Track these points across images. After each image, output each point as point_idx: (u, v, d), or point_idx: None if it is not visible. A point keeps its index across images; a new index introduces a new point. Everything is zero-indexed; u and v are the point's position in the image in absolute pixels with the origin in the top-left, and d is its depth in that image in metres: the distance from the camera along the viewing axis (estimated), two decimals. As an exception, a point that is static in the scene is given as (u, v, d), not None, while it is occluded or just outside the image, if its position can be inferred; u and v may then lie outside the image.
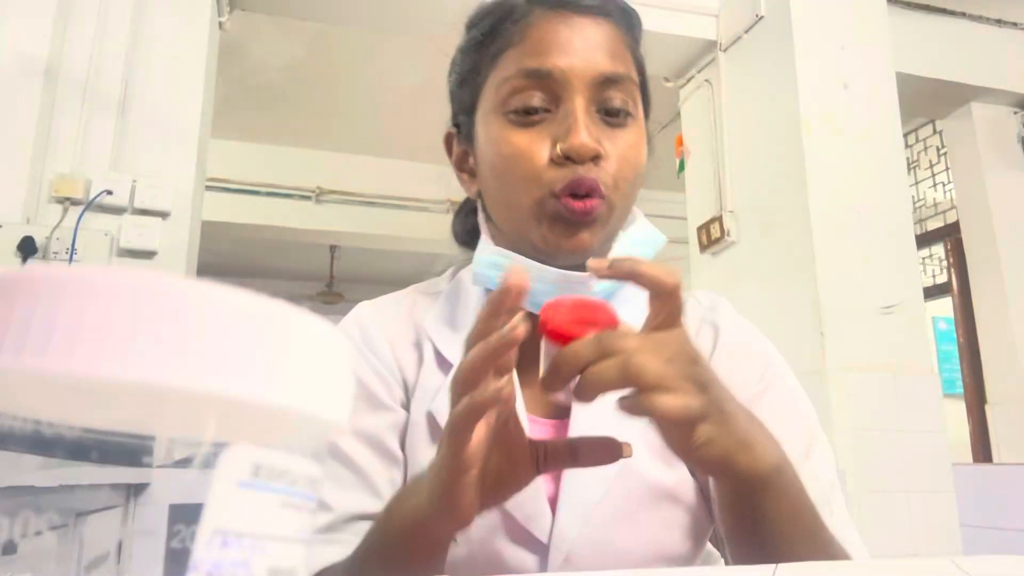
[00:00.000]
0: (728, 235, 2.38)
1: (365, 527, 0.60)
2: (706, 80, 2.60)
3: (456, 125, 0.72)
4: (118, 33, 1.98)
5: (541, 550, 0.60)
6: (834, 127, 2.19)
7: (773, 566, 0.45)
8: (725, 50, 2.54)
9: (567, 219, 0.60)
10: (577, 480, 0.61)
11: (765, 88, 2.35)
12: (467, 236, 0.76)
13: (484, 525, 0.60)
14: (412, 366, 0.68)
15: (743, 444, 0.46)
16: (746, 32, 2.43)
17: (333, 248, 5.87)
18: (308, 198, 4.38)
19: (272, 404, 0.16)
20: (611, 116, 0.62)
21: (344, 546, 0.60)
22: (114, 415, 0.17)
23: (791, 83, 2.21)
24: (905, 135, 3.02)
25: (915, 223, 2.78)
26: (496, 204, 0.65)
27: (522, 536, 0.61)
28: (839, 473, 2.10)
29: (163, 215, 1.93)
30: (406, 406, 0.67)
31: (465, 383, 0.44)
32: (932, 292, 3.76)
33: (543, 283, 0.61)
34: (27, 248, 1.76)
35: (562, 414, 0.65)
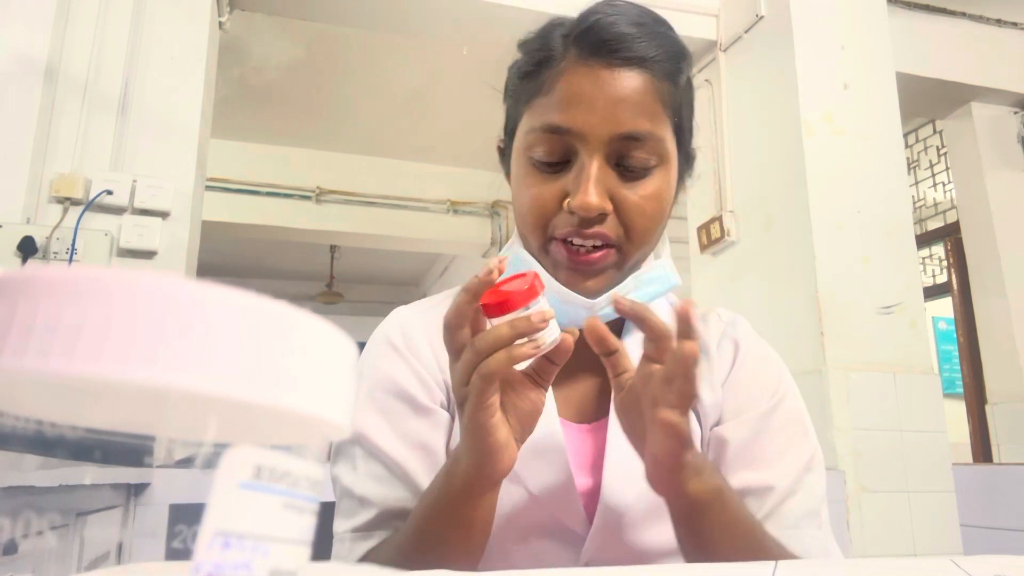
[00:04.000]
0: (728, 235, 2.38)
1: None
2: (706, 80, 2.60)
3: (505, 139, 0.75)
4: (118, 33, 1.98)
5: (576, 543, 0.64)
6: (834, 127, 2.19)
7: (773, 563, 0.46)
8: (725, 50, 2.55)
9: (570, 267, 0.64)
10: (617, 478, 0.64)
11: (765, 88, 2.35)
12: None
13: (519, 524, 0.64)
14: None
15: (695, 469, 0.54)
16: (746, 32, 2.43)
17: (333, 248, 5.87)
18: (308, 198, 4.38)
19: (274, 405, 0.16)
20: (628, 170, 0.64)
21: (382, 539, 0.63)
22: (116, 415, 0.17)
23: (791, 83, 2.20)
24: (905, 135, 3.02)
25: (915, 223, 2.78)
26: (519, 230, 0.70)
27: (558, 531, 0.64)
28: (839, 473, 2.09)
29: (163, 215, 1.93)
30: (447, 407, 0.69)
31: (449, 327, 0.53)
32: (932, 292, 3.77)
33: (550, 297, 0.64)
34: (27, 248, 1.76)
35: (595, 418, 0.70)
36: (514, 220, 0.72)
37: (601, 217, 0.63)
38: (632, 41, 0.63)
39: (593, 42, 0.63)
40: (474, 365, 0.52)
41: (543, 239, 0.65)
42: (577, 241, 0.63)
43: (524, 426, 0.56)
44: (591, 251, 0.63)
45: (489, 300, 0.53)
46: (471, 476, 0.55)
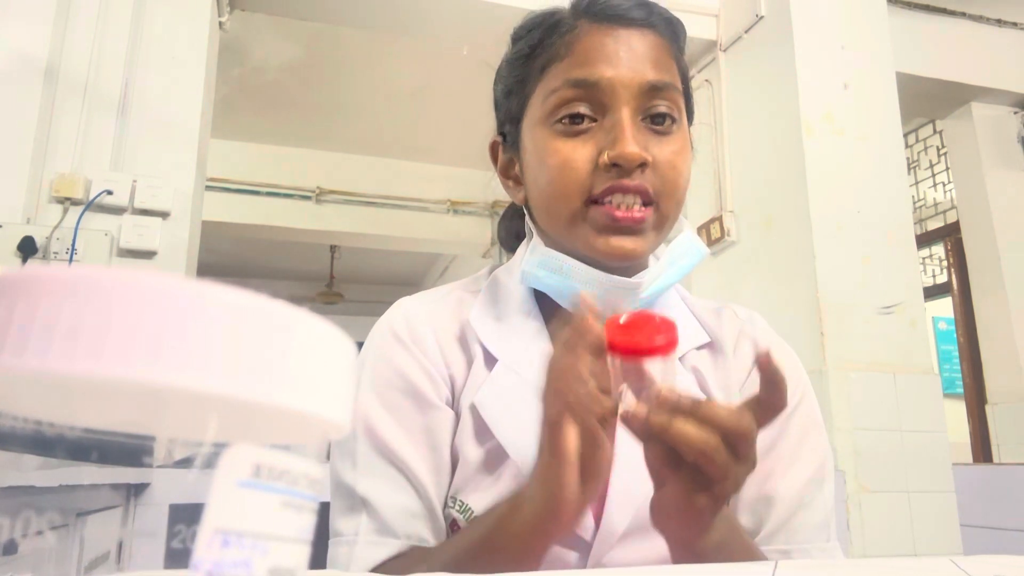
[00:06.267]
0: (728, 235, 2.38)
1: (414, 527, 0.61)
2: (706, 80, 2.60)
3: (502, 134, 0.73)
4: (118, 33, 1.98)
5: (584, 547, 0.61)
6: (834, 127, 2.19)
7: (773, 563, 0.46)
8: (725, 50, 2.55)
9: (613, 228, 0.61)
10: (624, 477, 0.60)
11: (765, 88, 2.35)
12: (512, 240, 0.78)
13: None
14: (459, 364, 0.68)
15: (705, 529, 0.50)
16: (746, 32, 2.43)
17: (333, 248, 5.87)
18: (308, 198, 4.38)
19: (273, 404, 0.16)
20: (656, 124, 0.63)
21: (395, 549, 0.60)
22: (115, 415, 0.17)
23: (791, 83, 2.21)
24: (905, 135, 3.01)
25: (915, 223, 2.77)
26: (542, 211, 0.66)
27: (566, 537, 0.60)
28: (839, 473, 2.09)
29: (163, 215, 1.93)
30: (451, 404, 0.66)
31: (559, 382, 0.47)
32: (932, 292, 3.77)
33: (591, 287, 0.62)
34: (27, 248, 1.76)
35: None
36: (532, 217, 0.69)
37: (641, 168, 0.61)
38: (638, 7, 0.65)
39: (603, 7, 0.65)
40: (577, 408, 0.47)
41: (578, 204, 0.62)
42: (619, 199, 0.61)
43: (594, 479, 0.50)
44: (634, 209, 0.61)
45: (619, 341, 0.47)
46: (534, 525, 0.50)
